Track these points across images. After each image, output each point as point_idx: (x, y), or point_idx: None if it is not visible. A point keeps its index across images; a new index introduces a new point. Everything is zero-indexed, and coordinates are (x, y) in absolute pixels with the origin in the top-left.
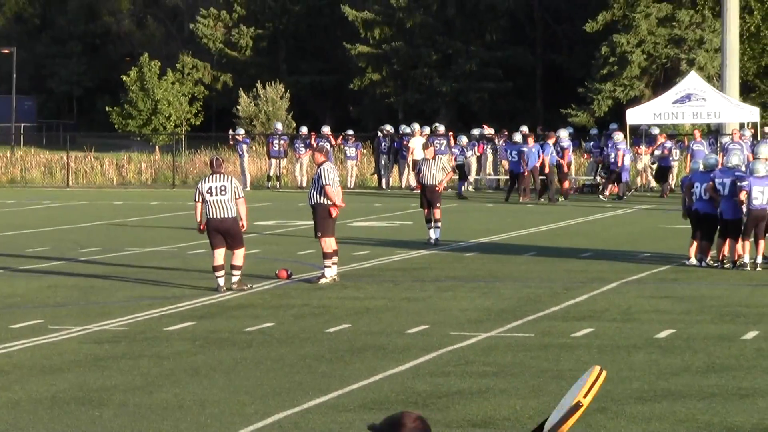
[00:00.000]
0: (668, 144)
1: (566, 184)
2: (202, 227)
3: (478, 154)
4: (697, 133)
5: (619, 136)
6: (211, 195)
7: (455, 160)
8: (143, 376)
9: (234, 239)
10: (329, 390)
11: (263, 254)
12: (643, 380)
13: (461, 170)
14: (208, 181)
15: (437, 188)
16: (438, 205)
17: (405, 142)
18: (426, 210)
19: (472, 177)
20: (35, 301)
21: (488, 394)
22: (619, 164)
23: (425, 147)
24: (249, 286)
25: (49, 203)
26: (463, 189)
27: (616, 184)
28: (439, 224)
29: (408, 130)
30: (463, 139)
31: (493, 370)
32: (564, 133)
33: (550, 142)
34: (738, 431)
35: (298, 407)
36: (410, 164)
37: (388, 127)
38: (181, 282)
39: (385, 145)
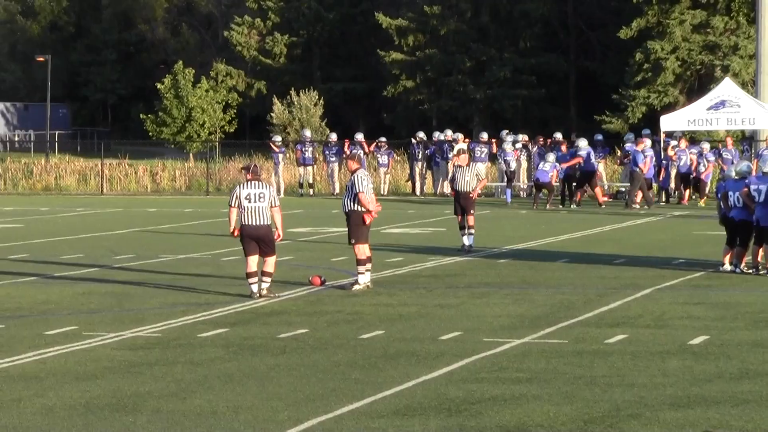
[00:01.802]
0: (694, 149)
1: (580, 194)
2: (236, 232)
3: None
4: (729, 141)
5: (647, 142)
6: (250, 201)
7: (508, 165)
8: (177, 383)
9: (268, 246)
10: (362, 396)
11: (297, 261)
12: (676, 386)
13: (507, 177)
14: (247, 188)
15: (471, 195)
16: (472, 211)
17: (438, 149)
18: (459, 217)
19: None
20: (69, 308)
21: (522, 401)
22: (644, 171)
23: (458, 154)
24: (276, 294)
25: (84, 210)
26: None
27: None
28: (473, 231)
29: (442, 136)
30: (507, 145)
31: (526, 377)
32: (583, 143)
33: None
34: None
35: (331, 413)
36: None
37: (422, 134)
38: (214, 289)
39: (418, 152)
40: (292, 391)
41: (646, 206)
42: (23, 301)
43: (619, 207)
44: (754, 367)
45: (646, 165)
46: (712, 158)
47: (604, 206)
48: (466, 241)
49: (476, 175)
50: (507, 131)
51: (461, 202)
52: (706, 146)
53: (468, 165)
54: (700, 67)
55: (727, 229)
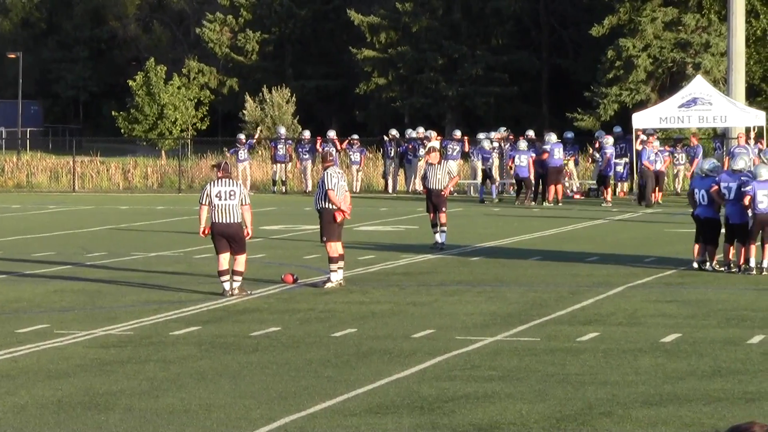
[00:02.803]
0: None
1: (551, 189)
2: (206, 231)
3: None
4: (694, 139)
5: (608, 140)
6: (220, 199)
7: (486, 163)
8: (149, 381)
9: (238, 244)
10: (335, 394)
11: (269, 259)
12: (649, 384)
13: (486, 174)
14: (218, 185)
15: (443, 192)
16: (444, 209)
17: (410, 146)
18: (432, 214)
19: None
20: (41, 306)
21: (494, 399)
22: (604, 167)
23: (430, 152)
24: (249, 291)
25: (55, 208)
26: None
27: (609, 187)
28: (445, 228)
29: (414, 134)
30: (486, 143)
31: (499, 375)
32: (550, 138)
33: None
34: None
35: (304, 411)
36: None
37: (394, 132)
38: (186, 287)
39: (390, 149)
40: (265, 389)
41: (644, 203)
42: None
43: (591, 205)
44: (726, 365)
45: (605, 161)
46: (667, 154)
47: (560, 204)
48: (439, 238)
49: (448, 172)
50: (505, 128)
51: (433, 200)
52: (656, 144)
53: (440, 162)
54: (671, 64)
55: (696, 227)
